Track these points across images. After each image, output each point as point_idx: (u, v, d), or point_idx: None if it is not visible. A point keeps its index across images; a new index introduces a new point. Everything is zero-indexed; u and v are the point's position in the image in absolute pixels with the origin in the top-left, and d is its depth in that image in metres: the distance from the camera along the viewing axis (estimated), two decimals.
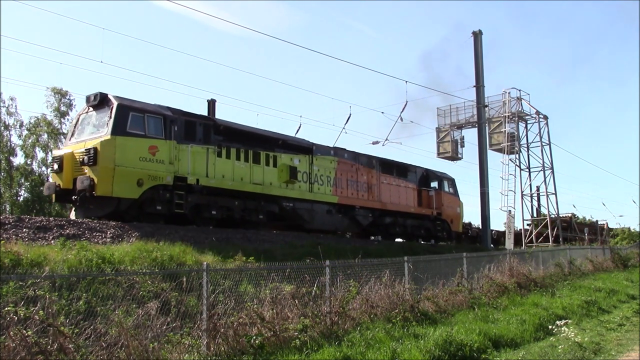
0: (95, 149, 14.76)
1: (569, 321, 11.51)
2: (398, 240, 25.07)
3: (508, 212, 34.84)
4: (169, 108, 16.82)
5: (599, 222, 48.01)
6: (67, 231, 12.91)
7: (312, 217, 20.81)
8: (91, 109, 16.19)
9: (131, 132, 15.44)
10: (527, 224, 38.73)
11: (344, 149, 23.53)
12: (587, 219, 55.77)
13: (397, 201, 25.05)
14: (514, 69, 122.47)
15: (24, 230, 12.13)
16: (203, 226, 16.77)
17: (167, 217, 16.47)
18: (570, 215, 41.56)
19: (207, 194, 17.28)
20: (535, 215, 39.27)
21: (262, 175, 19.15)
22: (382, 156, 25.87)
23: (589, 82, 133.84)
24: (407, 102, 29.19)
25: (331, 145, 22.95)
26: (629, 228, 52.56)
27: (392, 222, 24.49)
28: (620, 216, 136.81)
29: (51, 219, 13.56)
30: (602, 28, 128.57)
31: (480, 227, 34.51)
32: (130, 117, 15.49)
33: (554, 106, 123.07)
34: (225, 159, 18.11)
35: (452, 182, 28.99)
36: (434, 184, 27.63)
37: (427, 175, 27.69)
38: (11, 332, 6.12)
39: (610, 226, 50.39)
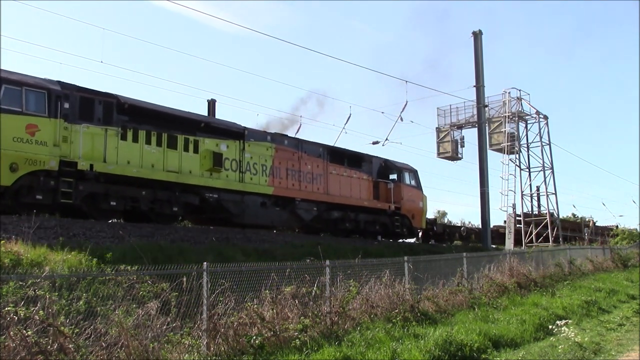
0: None
1: (569, 321, 11.51)
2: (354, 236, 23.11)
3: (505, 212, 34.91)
4: (58, 82, 14.73)
5: (585, 220, 47.43)
6: (68, 231, 12.92)
7: (241, 210, 18.53)
8: None
9: (3, 108, 13.24)
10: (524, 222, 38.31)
11: (285, 135, 21.50)
12: (586, 219, 55.66)
13: (349, 194, 22.62)
14: (513, 62, 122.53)
15: (25, 230, 12.12)
16: (102, 219, 14.76)
17: (63, 209, 14.61)
18: (547, 213, 39.39)
19: (105, 182, 14.99)
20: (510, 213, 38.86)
21: (179, 162, 16.85)
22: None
23: (589, 81, 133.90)
24: (407, 102, 29.24)
25: (269, 131, 20.54)
26: (617, 225, 51.64)
27: (342, 217, 22.06)
28: (620, 216, 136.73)
29: (52, 218, 13.54)
30: (601, 25, 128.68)
31: (446, 224, 32.59)
32: (2, 90, 13.32)
33: (554, 106, 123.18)
34: (132, 143, 15.78)
35: (414, 173, 26.53)
36: (394, 176, 25.17)
37: (385, 166, 25.25)
38: (11, 332, 6.12)
39: (597, 224, 49.61)
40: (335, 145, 25.40)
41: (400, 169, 25.70)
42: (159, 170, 16.30)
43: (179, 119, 17.29)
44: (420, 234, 28.65)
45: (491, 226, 37.47)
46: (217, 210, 18.05)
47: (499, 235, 36.83)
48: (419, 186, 26.66)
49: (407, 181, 25.74)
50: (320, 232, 21.63)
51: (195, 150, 17.47)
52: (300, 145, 21.39)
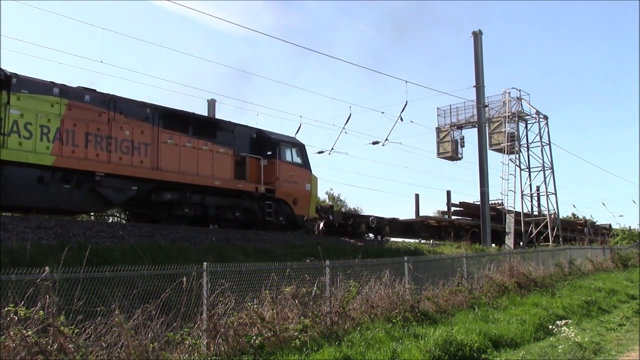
0: None
1: (569, 321, 11.51)
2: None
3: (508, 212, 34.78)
4: None
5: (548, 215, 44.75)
6: (68, 231, 12.95)
7: None
8: None
9: None
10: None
11: (87, 89, 15.82)
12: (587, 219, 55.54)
13: (193, 170, 17.63)
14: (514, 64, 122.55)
15: (24, 229, 12.15)
16: None
17: None
18: (498, 203, 37.00)
19: None
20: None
21: None
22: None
23: (589, 81, 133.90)
24: (407, 102, 29.24)
25: (58, 82, 15.16)
26: (589, 219, 49.81)
27: (178, 200, 17.22)
28: (620, 216, 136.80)
29: (52, 218, 13.56)
30: (600, 25, 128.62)
31: (348, 212, 28.58)
32: None
33: (554, 106, 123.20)
34: None
35: (299, 148, 21.47)
36: (270, 151, 20.27)
37: (258, 139, 20.32)
38: (11, 332, 6.12)
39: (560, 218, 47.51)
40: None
41: (276, 141, 20.51)
42: None
43: None
44: (321, 225, 23.94)
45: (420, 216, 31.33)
46: None
47: (427, 228, 31.16)
48: (305, 164, 21.53)
49: (288, 157, 20.72)
50: (153, 219, 17.06)
51: None
52: (112, 103, 16.08)
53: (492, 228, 31.73)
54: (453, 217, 33.28)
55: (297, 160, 21.12)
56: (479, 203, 35.87)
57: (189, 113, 18.49)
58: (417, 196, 31.56)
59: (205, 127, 18.65)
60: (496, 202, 37.13)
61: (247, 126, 20.43)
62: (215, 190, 18.12)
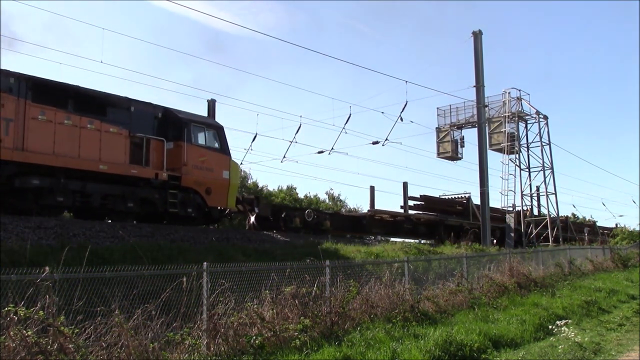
0: None
1: (569, 321, 11.52)
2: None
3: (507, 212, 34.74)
4: None
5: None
6: (68, 231, 12.95)
7: None
8: None
9: None
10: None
11: None
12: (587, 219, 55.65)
13: (73, 152, 14.87)
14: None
15: (24, 229, 12.15)
16: None
17: None
18: (464, 197, 34.80)
19: None
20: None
21: None
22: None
23: (589, 81, 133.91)
24: (407, 102, 29.20)
25: None
26: (571, 216, 47.85)
27: (50, 186, 14.47)
28: (620, 216, 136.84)
29: (52, 219, 13.57)
30: (600, 25, 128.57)
31: (279, 204, 26.09)
32: None
33: (554, 106, 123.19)
34: None
35: (216, 131, 18.69)
36: (178, 133, 17.49)
37: (165, 119, 17.53)
38: (11, 332, 6.12)
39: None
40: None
41: (185, 121, 17.63)
42: None
43: None
44: (252, 219, 21.57)
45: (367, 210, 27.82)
46: None
47: (379, 223, 27.20)
48: (223, 149, 18.73)
49: (200, 140, 18.00)
50: (24, 210, 14.34)
51: None
52: None
53: (455, 224, 30.65)
54: (412, 212, 29.63)
55: (212, 144, 18.39)
56: (444, 197, 34.87)
57: (69, 85, 15.55)
58: (372, 188, 27.56)
59: (91, 102, 15.72)
60: (463, 195, 35.11)
61: (149, 104, 17.51)
62: (102, 176, 15.41)
